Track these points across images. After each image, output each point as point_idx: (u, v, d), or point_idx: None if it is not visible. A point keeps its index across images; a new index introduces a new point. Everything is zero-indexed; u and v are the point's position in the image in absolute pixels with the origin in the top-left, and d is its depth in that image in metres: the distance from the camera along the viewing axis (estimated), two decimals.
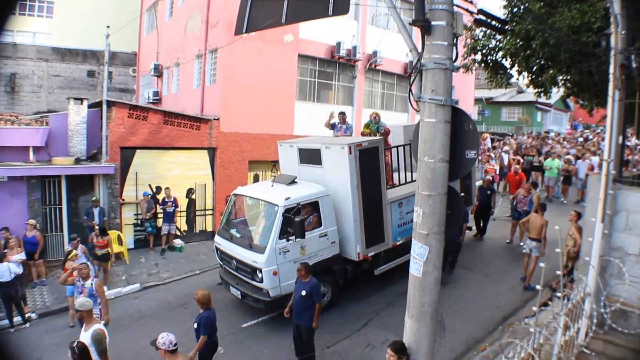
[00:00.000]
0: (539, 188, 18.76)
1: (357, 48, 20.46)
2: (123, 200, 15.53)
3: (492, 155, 23.43)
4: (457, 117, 5.11)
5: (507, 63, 12.33)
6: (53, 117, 16.09)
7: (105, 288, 12.59)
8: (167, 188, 15.82)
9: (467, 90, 28.03)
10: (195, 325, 7.69)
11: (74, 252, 11.30)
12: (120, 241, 15.10)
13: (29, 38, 30.09)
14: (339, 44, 19.91)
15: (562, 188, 20.10)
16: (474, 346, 9.36)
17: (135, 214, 15.96)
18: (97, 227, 13.42)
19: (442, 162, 4.99)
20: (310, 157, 11.51)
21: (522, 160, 21.83)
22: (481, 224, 15.80)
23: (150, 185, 16.05)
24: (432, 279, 5.13)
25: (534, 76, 12.00)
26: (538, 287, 5.80)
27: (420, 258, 5.12)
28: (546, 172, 20.30)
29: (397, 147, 12.62)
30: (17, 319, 11.24)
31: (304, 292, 8.35)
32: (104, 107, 15.08)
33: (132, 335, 10.37)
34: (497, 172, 21.37)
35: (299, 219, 9.57)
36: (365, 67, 21.73)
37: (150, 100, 23.29)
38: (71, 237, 12.24)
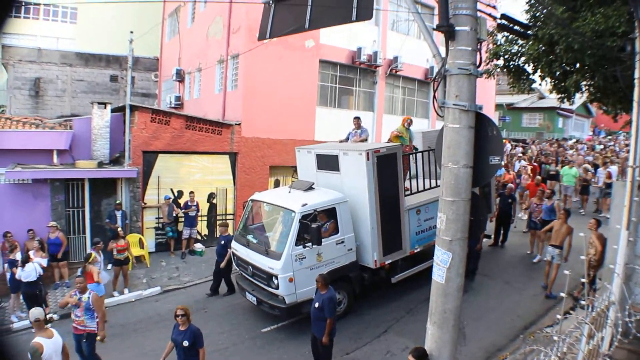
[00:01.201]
0: (555, 196, 18.39)
1: (377, 53, 20.43)
2: (145, 204, 15.68)
3: (504, 162, 22.90)
4: (481, 123, 5.10)
5: (529, 68, 12.18)
6: (77, 121, 16.32)
7: (126, 291, 12.84)
8: (191, 192, 15.92)
9: (488, 96, 27.79)
10: (187, 343, 7.22)
11: (93, 255, 11.43)
12: (141, 244, 15.23)
13: (53, 43, 30.52)
14: (359, 49, 19.94)
15: (580, 198, 19.66)
16: (495, 354, 9.26)
17: (156, 218, 16.09)
18: (120, 230, 13.55)
19: (465, 168, 4.98)
20: (328, 163, 11.44)
21: (530, 167, 21.21)
22: (501, 232, 15.62)
23: (172, 190, 16.19)
24: (455, 285, 5.13)
25: (556, 81, 11.83)
26: (562, 294, 5.72)
27: (444, 264, 5.12)
28: (562, 181, 19.87)
29: (415, 153, 12.53)
30: None
31: (317, 304, 8.29)
32: (127, 111, 15.25)
33: (152, 337, 10.44)
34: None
35: (315, 226, 9.51)
36: (386, 72, 21.71)
37: (172, 105, 23.52)
38: (94, 241, 12.37)
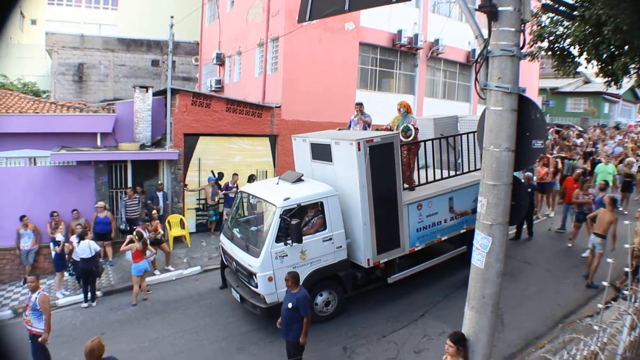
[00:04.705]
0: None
1: (418, 36, 20.20)
2: (186, 185, 15.92)
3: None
4: (523, 106, 5.04)
5: (575, 51, 11.86)
6: (119, 104, 16.61)
7: (171, 268, 13.12)
8: (235, 174, 16.06)
9: (532, 80, 27.18)
10: None
11: (141, 232, 11.75)
12: (182, 225, 15.47)
13: (96, 29, 31.12)
14: (400, 32, 19.76)
15: (622, 196, 17.76)
16: (533, 342, 9.11)
17: (197, 199, 16.30)
18: (155, 212, 13.81)
19: (507, 152, 4.94)
20: (322, 153, 10.67)
21: (553, 160, 18.23)
22: (523, 226, 14.89)
23: (212, 171, 16.39)
24: (494, 270, 5.11)
25: (603, 64, 11.48)
26: (604, 283, 5.61)
27: (483, 249, 5.10)
28: (598, 179, 16.98)
29: (424, 141, 11.80)
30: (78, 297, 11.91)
31: (290, 305, 7.73)
32: (169, 94, 15.47)
33: (193, 315, 10.68)
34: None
35: (295, 222, 8.93)
36: (426, 55, 21.47)
37: (213, 89, 23.70)
38: (141, 219, 12.70)
